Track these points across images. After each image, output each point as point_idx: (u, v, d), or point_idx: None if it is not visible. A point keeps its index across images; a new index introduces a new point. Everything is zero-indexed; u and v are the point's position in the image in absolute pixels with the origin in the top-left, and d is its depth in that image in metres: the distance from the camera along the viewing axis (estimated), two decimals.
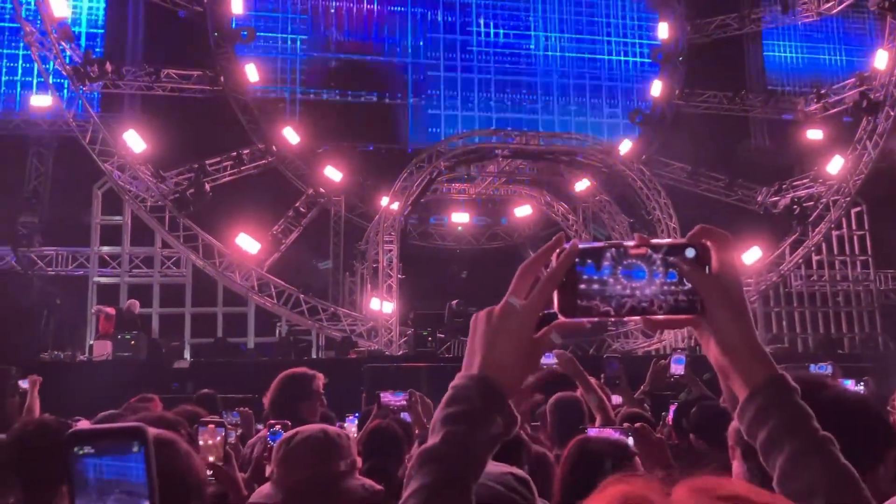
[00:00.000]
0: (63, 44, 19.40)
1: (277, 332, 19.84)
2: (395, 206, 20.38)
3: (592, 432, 3.54)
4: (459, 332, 19.30)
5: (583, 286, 1.24)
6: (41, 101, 20.34)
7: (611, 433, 3.52)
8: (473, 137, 22.35)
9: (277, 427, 4.13)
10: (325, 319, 19.78)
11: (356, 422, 6.76)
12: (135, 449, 0.99)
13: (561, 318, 1.26)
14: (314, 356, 19.11)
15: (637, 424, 3.59)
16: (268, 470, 2.88)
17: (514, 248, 25.17)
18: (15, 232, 19.67)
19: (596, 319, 1.24)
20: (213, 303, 19.75)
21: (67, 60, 19.42)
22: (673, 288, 1.25)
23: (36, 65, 19.53)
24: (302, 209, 22.53)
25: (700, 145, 23.63)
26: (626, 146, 22.94)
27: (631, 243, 1.26)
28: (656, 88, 24.98)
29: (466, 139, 22.43)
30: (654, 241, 1.26)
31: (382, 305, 19.33)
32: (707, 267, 1.26)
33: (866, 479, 1.24)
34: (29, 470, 3.19)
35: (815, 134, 23.68)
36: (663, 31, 25.29)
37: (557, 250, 1.27)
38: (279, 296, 19.66)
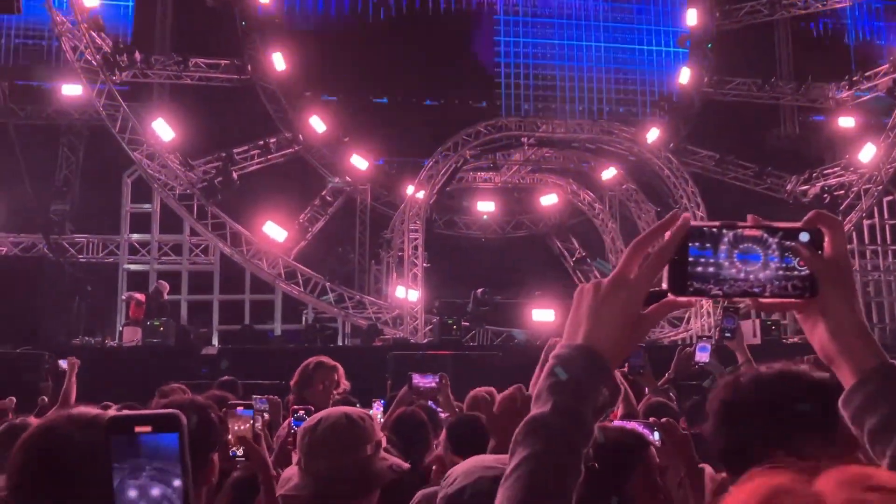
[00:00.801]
0: (93, 33, 19.62)
1: (304, 319, 20.00)
2: (421, 194, 20.40)
3: (617, 424, 3.47)
4: (484, 321, 19.34)
5: (695, 266, 1.25)
6: (72, 90, 20.59)
7: (636, 426, 3.37)
8: (499, 125, 22.26)
9: (301, 412, 4.18)
10: (350, 307, 19.90)
11: (382, 408, 6.81)
12: (171, 432, 1.03)
13: (670, 297, 1.27)
14: (340, 343, 19.24)
15: (663, 420, 3.54)
16: (294, 457, 2.91)
17: (539, 237, 25.11)
18: (47, 220, 19.97)
19: (705, 300, 1.25)
20: (240, 290, 19.94)
21: (97, 50, 19.64)
22: (786, 271, 1.25)
23: (66, 54, 19.77)
24: (328, 198, 22.63)
25: (728, 133, 23.38)
26: (653, 134, 22.75)
27: (745, 224, 1.26)
28: (684, 76, 24.71)
29: (492, 127, 22.35)
30: (769, 223, 1.27)
31: (408, 293, 19.39)
32: (820, 251, 1.27)
33: None
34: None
35: (846, 122, 23.31)
36: (692, 17, 24.98)
37: (671, 228, 1.27)
38: (306, 283, 19.80)
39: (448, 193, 22.57)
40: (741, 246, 1.25)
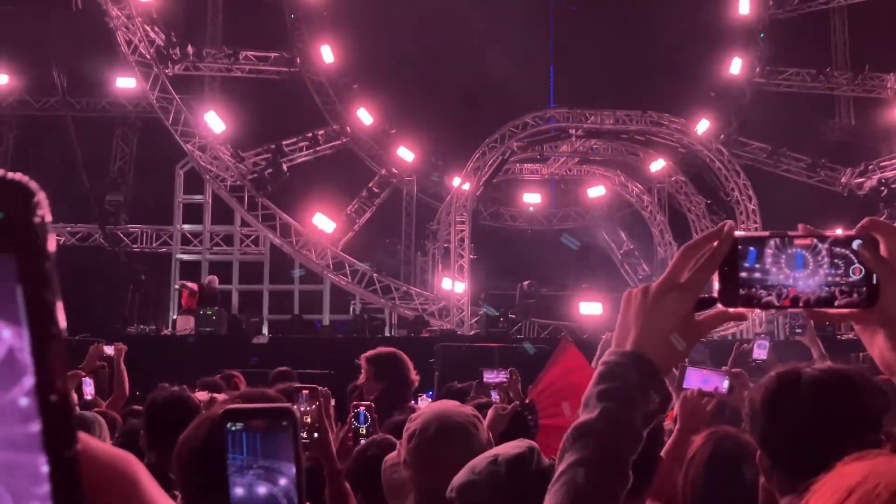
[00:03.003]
0: (147, 27, 19.99)
1: (352, 309, 20.20)
2: (467, 186, 20.41)
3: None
4: (531, 313, 19.30)
5: (745, 275, 1.22)
6: (126, 83, 21.01)
7: (709, 374, 3.94)
8: (547, 116, 22.13)
9: (361, 408, 4.13)
10: (397, 298, 20.02)
11: (430, 400, 6.86)
12: (283, 427, 1.03)
13: (720, 307, 1.25)
14: (387, 334, 19.39)
15: (735, 370, 4.08)
16: (399, 455, 2.73)
17: (586, 229, 24.94)
18: (102, 210, 20.45)
19: (757, 310, 1.23)
20: (290, 280, 20.21)
21: (150, 44, 20.01)
22: (840, 279, 1.22)
23: (121, 48, 20.17)
24: (375, 189, 22.77)
25: (781, 124, 22.91)
26: (703, 125, 22.41)
27: (795, 233, 1.24)
28: (736, 66, 24.27)
29: (540, 118, 22.23)
30: (820, 232, 1.24)
31: (454, 285, 19.44)
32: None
33: None
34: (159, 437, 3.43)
35: None
36: (744, 6, 24.50)
37: (721, 237, 1.25)
38: (353, 274, 19.98)
39: (494, 185, 22.54)
40: (791, 253, 1.22)
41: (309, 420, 3.22)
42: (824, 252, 1.22)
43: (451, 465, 2.30)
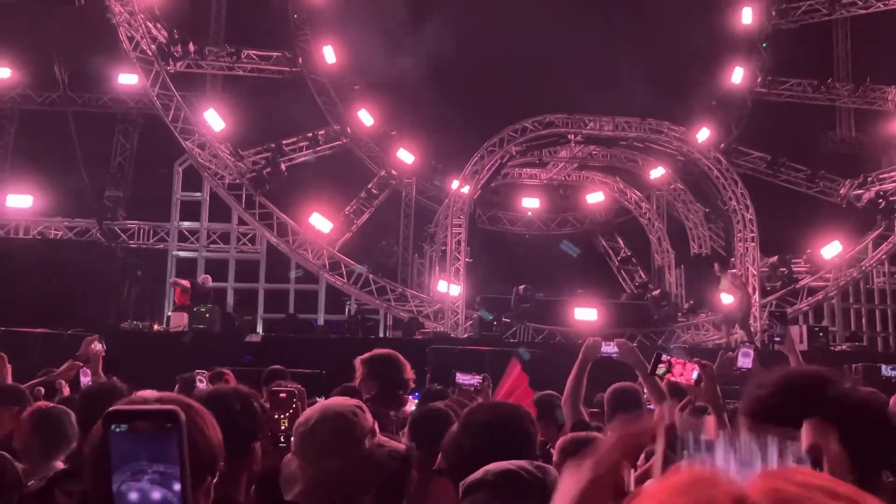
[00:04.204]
0: (149, 24, 20.03)
1: (347, 310, 20.20)
2: (466, 189, 20.42)
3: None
4: (525, 317, 19.30)
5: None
6: (127, 79, 21.05)
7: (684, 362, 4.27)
8: (546, 122, 22.14)
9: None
10: (393, 300, 20.03)
11: (416, 402, 6.87)
12: (168, 430, 1.00)
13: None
14: (381, 335, 19.39)
15: (703, 362, 4.34)
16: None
17: (584, 234, 24.95)
18: (100, 205, 20.48)
19: None
20: (285, 279, 20.22)
21: (153, 41, 20.05)
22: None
23: (123, 44, 20.21)
24: (374, 190, 22.79)
25: (781, 134, 22.92)
26: (703, 134, 22.42)
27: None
28: (737, 75, 24.28)
29: (539, 123, 22.23)
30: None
31: (450, 288, 19.44)
32: None
33: (869, 484, 1.21)
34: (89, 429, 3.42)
35: None
36: (747, 15, 24.52)
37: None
38: (349, 275, 19.99)
39: (493, 189, 22.55)
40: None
41: (286, 425, 3.24)
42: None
43: (330, 451, 2.47)
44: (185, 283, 17.25)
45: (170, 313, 17.64)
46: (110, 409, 1.01)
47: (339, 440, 2.50)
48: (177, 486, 1.00)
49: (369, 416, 2.70)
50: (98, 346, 7.13)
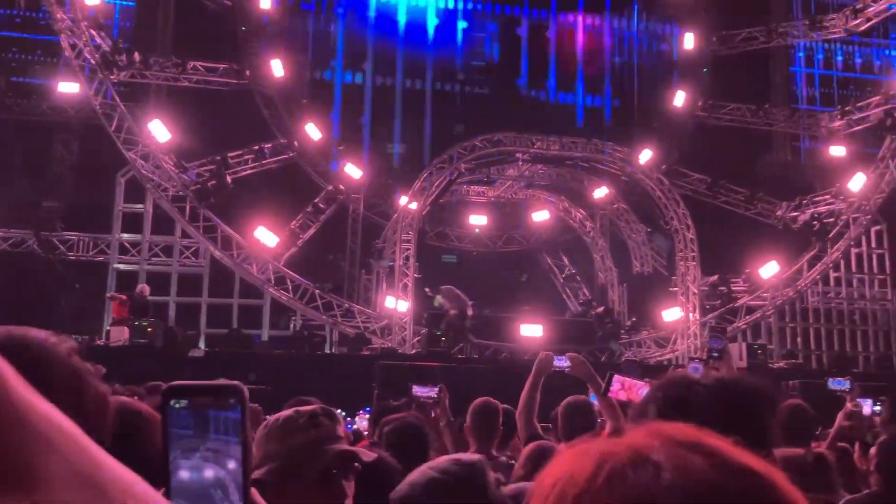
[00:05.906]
0: (93, 32, 19.64)
1: (292, 325, 19.97)
2: (414, 205, 20.45)
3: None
4: (472, 333, 19.36)
5: None
6: (68, 87, 20.58)
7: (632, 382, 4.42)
8: (495, 140, 22.37)
9: None
10: (339, 315, 19.89)
11: (368, 416, 6.83)
12: (231, 405, 0.96)
13: None
14: (327, 351, 19.23)
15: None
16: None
17: (530, 252, 25.20)
18: (38, 216, 19.91)
19: None
20: (229, 294, 19.91)
21: (96, 49, 19.65)
22: None
23: (64, 52, 19.77)
24: (321, 205, 22.65)
25: (721, 157, 23.55)
26: (645, 155, 22.91)
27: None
28: (679, 99, 24.91)
29: (488, 141, 22.45)
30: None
31: (397, 304, 19.40)
32: None
33: None
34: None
35: (837, 150, 23.55)
36: (689, 41, 25.22)
37: None
38: (295, 290, 19.79)
39: (441, 205, 22.64)
40: None
41: None
42: None
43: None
44: (122, 296, 16.86)
45: (108, 327, 17.21)
46: (170, 384, 0.98)
47: (286, 426, 2.50)
48: (232, 465, 0.96)
49: (340, 422, 2.68)
50: None
